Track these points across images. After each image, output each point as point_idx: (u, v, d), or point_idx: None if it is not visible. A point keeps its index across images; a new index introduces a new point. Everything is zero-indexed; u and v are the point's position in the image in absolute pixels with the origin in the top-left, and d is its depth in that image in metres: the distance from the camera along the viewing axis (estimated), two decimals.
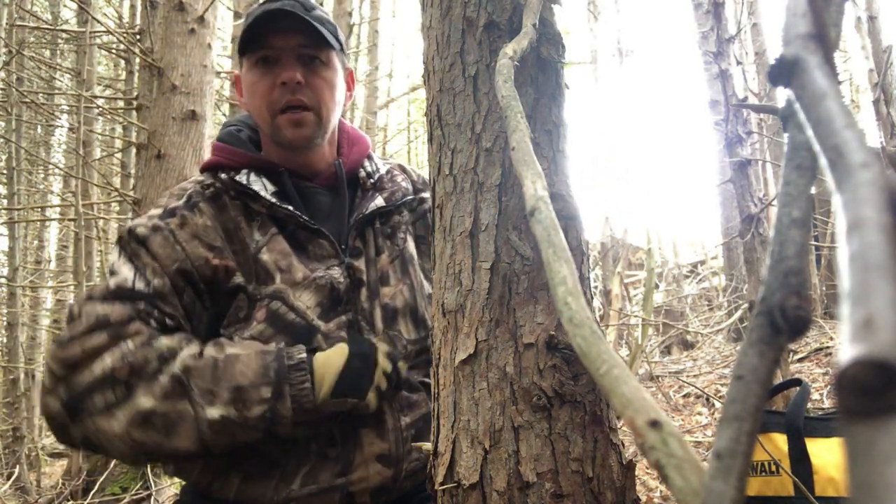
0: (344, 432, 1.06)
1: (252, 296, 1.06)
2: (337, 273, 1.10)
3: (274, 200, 1.10)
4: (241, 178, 1.12)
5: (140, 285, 1.02)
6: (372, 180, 1.22)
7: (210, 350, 0.98)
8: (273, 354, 0.98)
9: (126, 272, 1.04)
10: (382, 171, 1.25)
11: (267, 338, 1.04)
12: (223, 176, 1.13)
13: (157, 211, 1.10)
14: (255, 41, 1.11)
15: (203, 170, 1.18)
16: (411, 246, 1.22)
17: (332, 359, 0.99)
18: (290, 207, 1.11)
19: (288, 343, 1.05)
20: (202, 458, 1.02)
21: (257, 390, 0.95)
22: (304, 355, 0.99)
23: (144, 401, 0.93)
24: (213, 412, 0.94)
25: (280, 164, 1.15)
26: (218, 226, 1.09)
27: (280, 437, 1.02)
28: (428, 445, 0.78)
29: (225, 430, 0.95)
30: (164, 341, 0.98)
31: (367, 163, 1.24)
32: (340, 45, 1.17)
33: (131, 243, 1.06)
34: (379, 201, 1.19)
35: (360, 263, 1.14)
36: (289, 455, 1.05)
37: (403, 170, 1.31)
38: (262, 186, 1.11)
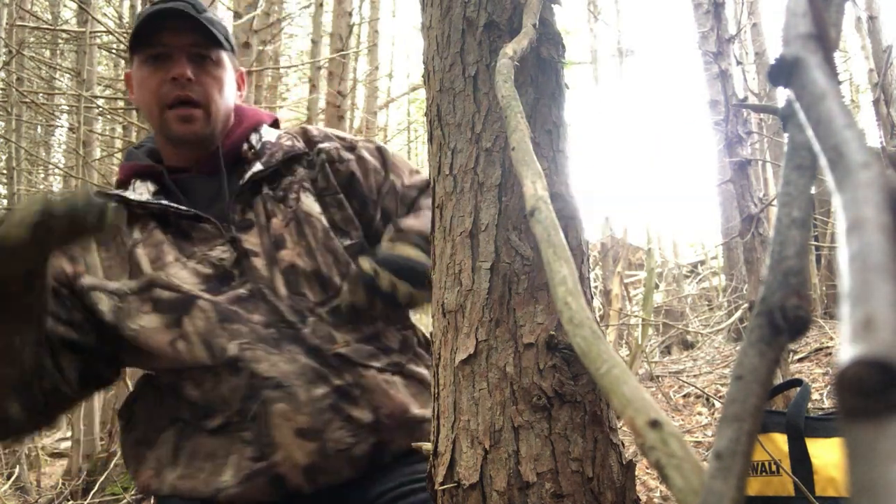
0: (255, 413, 1.04)
1: (118, 292, 1.09)
2: (218, 252, 1.12)
3: (143, 199, 1.14)
4: (128, 189, 1.17)
5: None
6: (253, 150, 1.20)
7: None
8: None
9: None
10: (269, 139, 1.23)
11: (155, 323, 1.06)
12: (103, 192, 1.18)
13: None
14: (146, 38, 1.14)
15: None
16: (307, 203, 1.18)
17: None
18: (165, 202, 1.13)
19: (169, 319, 1.06)
20: None
21: None
22: None
23: None
24: None
25: (164, 164, 1.19)
26: (90, 239, 1.12)
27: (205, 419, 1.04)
28: (428, 445, 0.78)
29: None
30: None
31: (252, 135, 1.23)
32: (231, 46, 1.20)
33: None
34: (256, 167, 1.18)
35: (251, 235, 1.14)
36: (219, 447, 1.05)
37: (304, 132, 1.28)
38: (143, 189, 1.16)
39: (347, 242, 1.19)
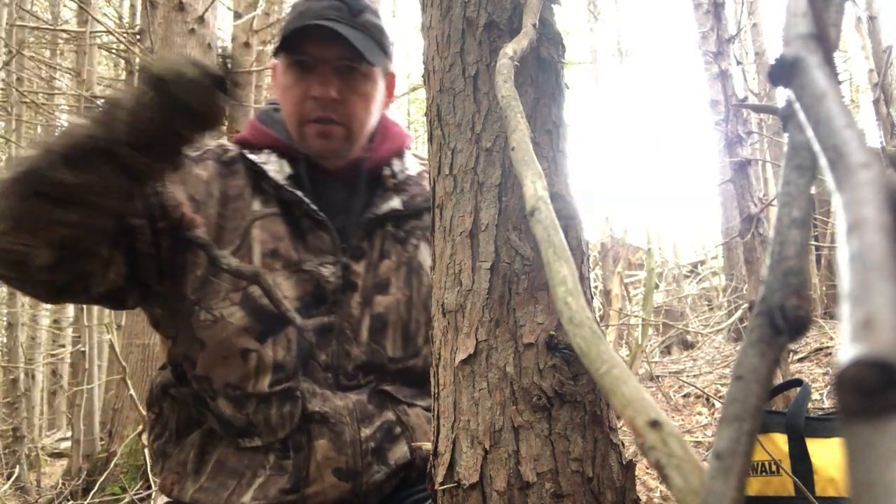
0: (297, 443, 1.03)
1: (215, 260, 1.03)
2: (327, 271, 1.07)
3: (283, 183, 1.08)
4: (260, 157, 1.10)
5: None
6: (395, 180, 1.15)
7: None
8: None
9: None
10: (412, 172, 1.18)
11: (238, 320, 1.02)
12: (242, 151, 1.12)
13: None
14: (291, 44, 1.07)
15: (234, 142, 1.16)
16: (424, 254, 1.14)
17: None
18: (300, 193, 1.08)
19: (258, 329, 1.02)
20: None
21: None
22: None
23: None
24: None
25: (301, 151, 1.12)
26: (215, 185, 1.08)
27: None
28: (428, 445, 0.78)
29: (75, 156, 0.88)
30: None
31: (395, 161, 1.17)
32: (385, 50, 1.12)
33: None
34: (395, 203, 1.13)
35: (360, 266, 1.09)
36: (246, 465, 1.03)
37: None
38: (278, 168, 1.09)
39: None
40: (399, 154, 1.19)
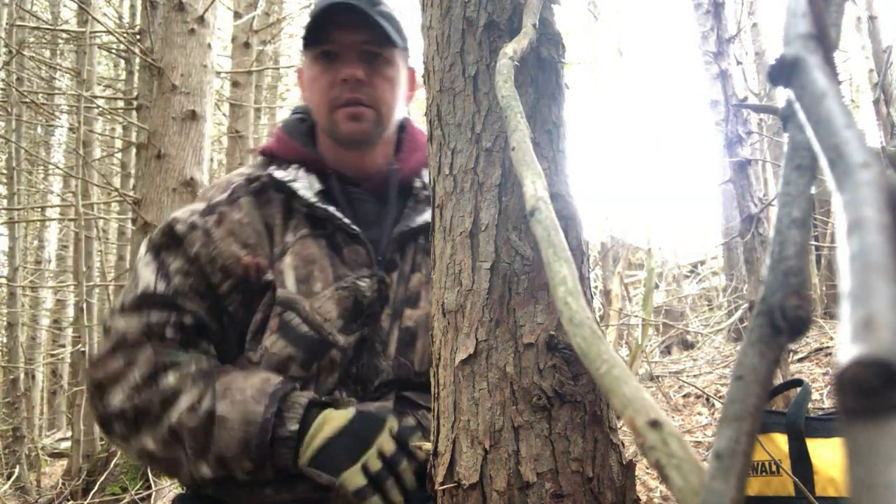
0: None
1: (276, 298, 1.03)
2: (365, 284, 1.06)
3: (314, 200, 1.07)
4: (288, 173, 1.10)
5: (161, 287, 1.02)
6: (427, 192, 1.14)
7: (206, 402, 0.96)
8: (258, 425, 0.93)
9: (148, 275, 1.04)
10: None
11: (280, 350, 1.01)
12: (268, 171, 1.12)
13: (199, 206, 1.09)
14: (317, 35, 1.09)
15: (260, 153, 1.17)
16: None
17: (326, 425, 0.95)
18: (332, 209, 1.07)
19: (303, 358, 1.02)
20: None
21: (240, 463, 0.94)
22: (296, 427, 0.94)
23: (147, 442, 0.97)
24: (204, 470, 0.96)
25: (330, 166, 1.13)
26: (256, 221, 1.07)
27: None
28: (428, 445, 0.78)
29: (215, 482, 0.98)
30: (170, 380, 0.97)
31: (426, 172, 1.18)
32: (405, 42, 1.14)
33: (163, 237, 1.06)
34: (428, 216, 1.13)
35: (392, 279, 1.09)
36: None
37: None
38: (307, 185, 1.09)
39: None
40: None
